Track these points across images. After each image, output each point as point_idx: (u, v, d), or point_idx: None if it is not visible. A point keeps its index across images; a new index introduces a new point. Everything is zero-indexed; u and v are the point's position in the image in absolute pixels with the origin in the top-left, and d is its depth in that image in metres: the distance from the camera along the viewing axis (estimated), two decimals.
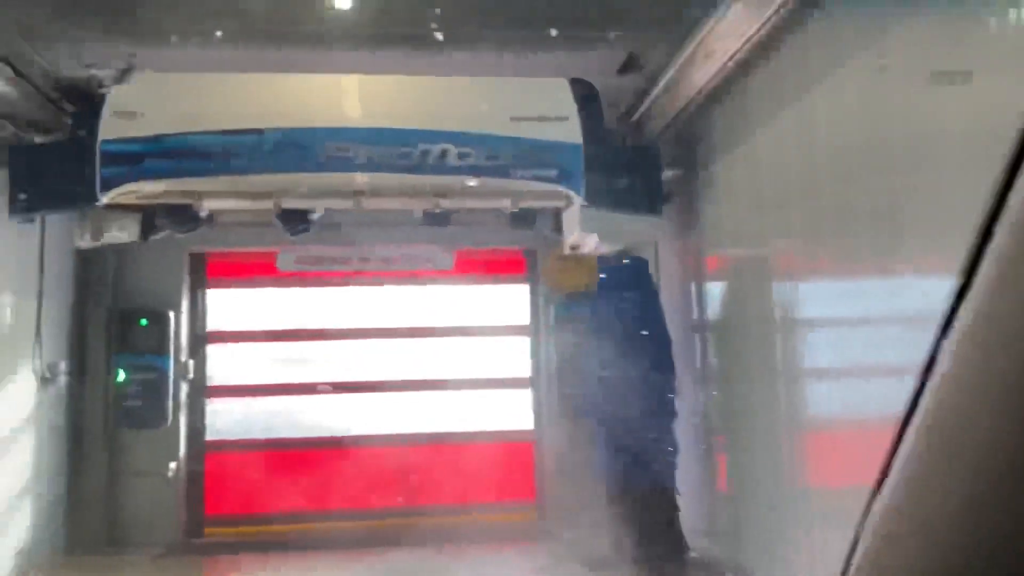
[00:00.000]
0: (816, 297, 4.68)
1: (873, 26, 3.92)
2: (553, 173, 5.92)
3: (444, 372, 8.41)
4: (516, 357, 8.56)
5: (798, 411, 4.83)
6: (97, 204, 5.53)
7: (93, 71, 4.98)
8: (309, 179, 5.82)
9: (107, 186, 5.52)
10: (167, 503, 7.57)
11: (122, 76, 4.94)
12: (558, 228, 7.12)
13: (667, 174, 6.31)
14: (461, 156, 5.82)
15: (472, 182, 5.93)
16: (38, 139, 5.77)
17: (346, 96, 5.88)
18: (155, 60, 5.72)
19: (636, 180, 6.12)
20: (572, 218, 6.39)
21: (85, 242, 6.52)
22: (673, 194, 6.54)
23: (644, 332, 6.21)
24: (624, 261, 6.43)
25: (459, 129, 5.84)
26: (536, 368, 8.44)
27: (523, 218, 7.05)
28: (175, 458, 7.64)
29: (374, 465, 8.21)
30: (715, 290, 6.29)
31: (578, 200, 6.03)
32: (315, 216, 6.84)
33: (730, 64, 5.14)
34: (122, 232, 6.58)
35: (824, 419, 4.59)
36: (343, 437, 8.23)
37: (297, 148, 5.66)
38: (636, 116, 6.22)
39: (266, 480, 7.98)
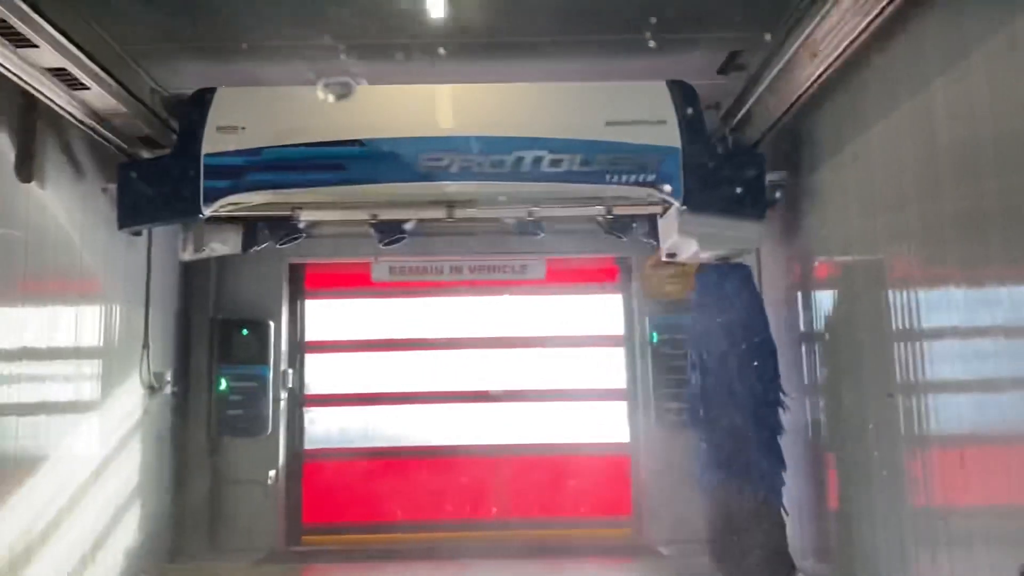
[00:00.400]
0: (939, 305, 4.36)
1: (1001, 9, 3.63)
2: (650, 178, 5.75)
3: (538, 383, 8.33)
4: (611, 368, 8.40)
5: (919, 426, 4.52)
6: (200, 217, 5.66)
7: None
8: (405, 189, 5.81)
9: (210, 199, 5.63)
10: (266, 510, 7.70)
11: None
12: (654, 235, 6.94)
13: (770, 177, 6.04)
14: (555, 163, 5.71)
15: (566, 188, 5.81)
16: (145, 154, 5.96)
17: (441, 105, 5.86)
18: (254, 76, 5.85)
19: (738, 184, 5.87)
20: (669, 224, 6.20)
21: (188, 254, 6.71)
22: (776, 198, 6.26)
23: (747, 341, 5.96)
24: (725, 268, 6.18)
25: (553, 135, 5.73)
26: (631, 379, 8.26)
27: (618, 225, 6.89)
28: (274, 466, 7.77)
29: (468, 476, 8.18)
30: (823, 298, 5.98)
31: (676, 205, 5.83)
32: (409, 226, 6.87)
33: (839, 59, 4.87)
34: (224, 244, 6.75)
35: (950, 435, 4.27)
36: (438, 447, 8.23)
37: (394, 159, 5.66)
38: (737, 118, 5.98)
39: (362, 489, 8.05)
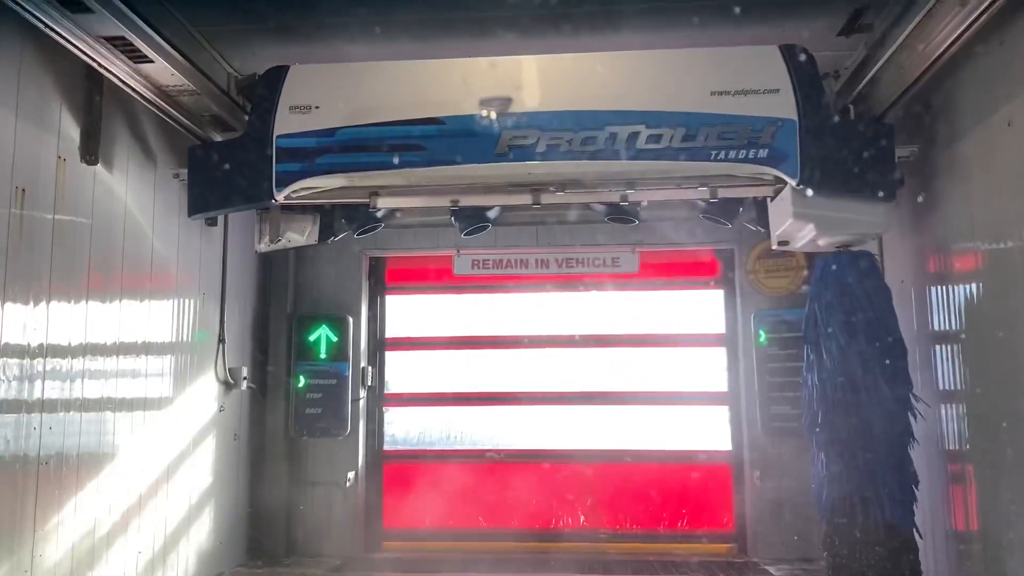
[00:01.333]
0: None
1: None
2: (762, 154, 5.11)
3: (631, 385, 7.76)
4: (711, 370, 7.74)
5: None
6: (273, 202, 5.32)
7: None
8: (487, 171, 5.33)
9: (282, 183, 5.30)
10: (345, 514, 7.37)
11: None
12: (762, 221, 6.28)
13: (899, 152, 5.31)
14: (653, 139, 5.14)
15: (665, 168, 5.23)
16: (217, 138, 5.68)
17: (526, 79, 5.37)
18: (329, 56, 5.52)
19: (863, 160, 5.16)
20: (782, 208, 5.53)
21: (264, 245, 6.40)
22: (905, 177, 5.52)
23: (874, 339, 5.25)
24: (845, 257, 5.47)
25: (651, 108, 5.17)
26: (734, 382, 7.58)
27: (722, 210, 6.25)
28: (353, 467, 7.43)
29: (555, 482, 7.67)
30: (963, 291, 5.20)
31: (791, 185, 5.18)
32: (492, 214, 6.40)
33: (986, 12, 4.15)
34: (300, 234, 6.42)
35: None
36: (524, 451, 7.75)
37: (476, 138, 5.21)
38: (861, 85, 5.29)
39: (445, 493, 7.61)
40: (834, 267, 5.48)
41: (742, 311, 7.44)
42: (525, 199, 5.92)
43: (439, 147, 5.27)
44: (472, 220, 6.36)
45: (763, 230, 6.53)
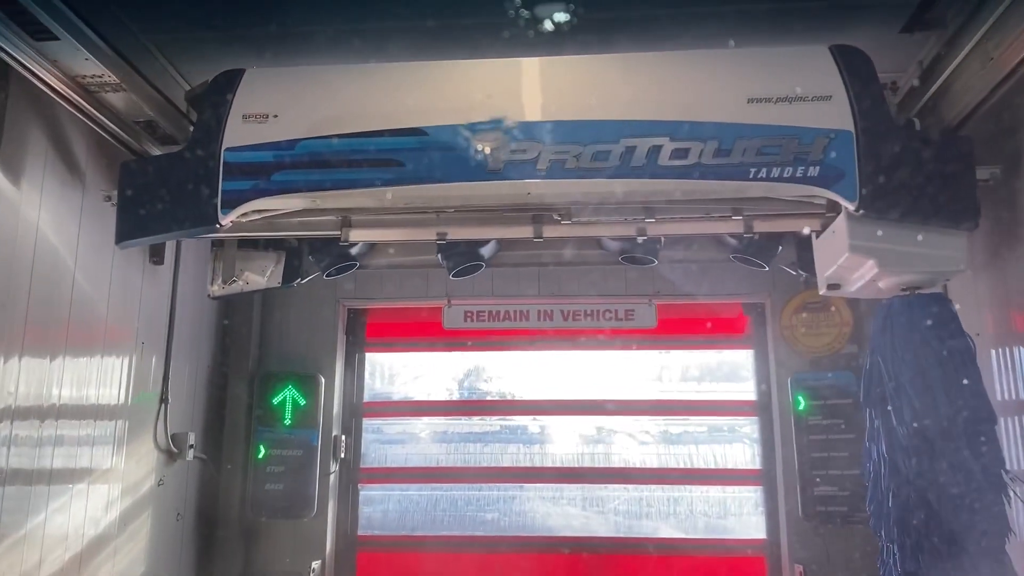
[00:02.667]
0: None
1: None
2: (812, 172, 4.18)
3: (646, 460, 6.68)
4: (740, 443, 6.67)
5: None
6: (217, 227, 4.39)
7: None
8: (479, 191, 4.41)
9: (229, 204, 4.38)
10: None
11: None
12: (804, 264, 5.33)
13: (978, 174, 4.38)
14: (679, 154, 4.22)
15: (693, 188, 4.30)
16: (155, 152, 4.79)
17: (525, 83, 4.50)
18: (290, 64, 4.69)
19: (937, 180, 4.23)
20: (834, 242, 4.56)
21: (217, 287, 5.48)
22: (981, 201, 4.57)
23: (953, 403, 4.19)
24: (914, 302, 4.47)
25: (677, 118, 4.27)
26: (768, 457, 6.49)
27: (758, 249, 5.30)
28: (320, 556, 6.29)
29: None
30: None
31: (847, 211, 4.23)
32: (486, 251, 5.47)
33: None
34: (260, 275, 5.50)
35: None
36: (525, 539, 6.61)
37: (465, 152, 4.30)
38: (930, 92, 4.41)
39: None
40: (902, 313, 4.46)
41: (776, 374, 6.39)
42: (525, 231, 5.01)
43: (420, 162, 4.35)
44: (463, 258, 5.42)
45: (804, 275, 5.58)
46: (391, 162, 4.38)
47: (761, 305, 6.61)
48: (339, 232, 5.06)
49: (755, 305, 6.67)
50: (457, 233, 5.07)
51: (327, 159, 4.41)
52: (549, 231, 4.99)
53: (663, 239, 5.39)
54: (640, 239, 4.97)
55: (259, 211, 4.57)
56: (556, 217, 4.79)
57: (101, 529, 4.84)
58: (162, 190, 4.46)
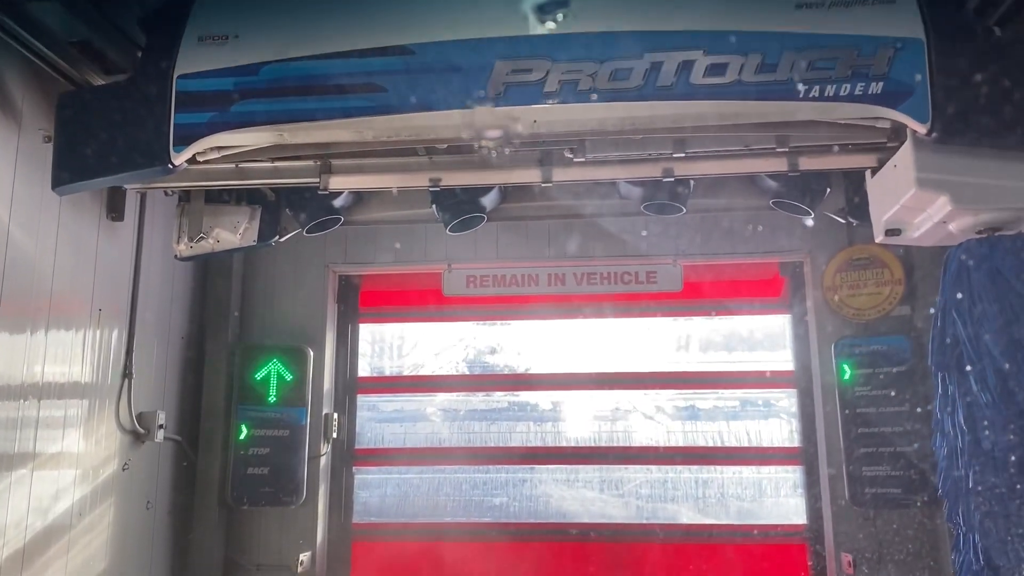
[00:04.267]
0: None
1: None
2: (875, 89, 3.49)
3: (669, 438, 6.02)
4: (777, 418, 5.98)
5: None
6: (169, 167, 3.73)
7: None
8: (476, 120, 3.72)
9: (183, 139, 3.75)
10: None
11: None
12: (854, 210, 4.62)
13: None
14: (715, 70, 3.54)
15: (733, 111, 3.59)
16: (99, 83, 4.12)
17: None
18: None
19: (1020, 98, 3.53)
20: (896, 178, 3.86)
21: (184, 246, 4.83)
22: None
23: None
24: (995, 245, 3.76)
25: (712, 27, 3.57)
26: (808, 434, 5.81)
27: (802, 193, 4.60)
28: (309, 547, 5.66)
29: (575, 566, 5.85)
30: None
31: (916, 137, 3.53)
32: (487, 201, 4.79)
33: None
34: (232, 232, 4.84)
35: None
36: (535, 525, 5.98)
37: (458, 73, 3.63)
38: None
39: None
40: (980, 259, 3.75)
41: (817, 341, 5.69)
42: (531, 175, 4.32)
43: (405, 87, 3.71)
44: (461, 208, 4.74)
45: (855, 222, 4.88)
46: (371, 87, 3.74)
47: (800, 264, 5.90)
48: (318, 179, 4.42)
49: (793, 265, 5.96)
50: (453, 179, 4.41)
51: (296, 85, 3.78)
52: (560, 174, 4.33)
53: (692, 183, 4.70)
54: (666, 180, 4.27)
55: (219, 149, 3.93)
56: (568, 155, 4.12)
57: (50, 520, 4.22)
58: (105, 125, 3.83)
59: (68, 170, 3.84)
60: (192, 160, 3.96)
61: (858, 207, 4.61)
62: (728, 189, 5.22)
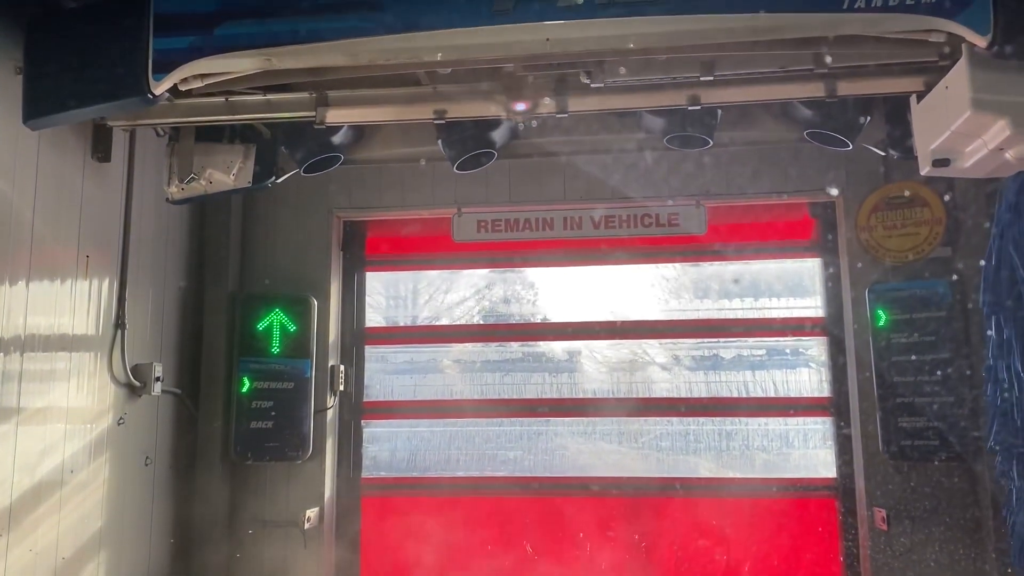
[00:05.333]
0: None
1: None
2: None
3: (692, 389, 5.74)
4: (805, 367, 5.69)
5: None
6: (148, 96, 3.43)
7: None
8: (482, 40, 3.37)
9: (163, 67, 3.46)
10: (305, 569, 5.38)
11: None
12: (895, 142, 4.25)
13: None
14: None
15: (766, 25, 3.23)
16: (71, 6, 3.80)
17: None
18: None
19: None
20: (948, 101, 3.49)
21: (175, 188, 4.55)
22: None
23: None
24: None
25: None
26: (839, 383, 5.50)
27: (839, 123, 4.22)
28: (317, 503, 5.46)
29: (593, 522, 5.64)
30: None
31: (974, 50, 3.16)
32: (497, 135, 4.46)
33: None
34: (225, 173, 4.55)
35: None
36: (551, 480, 5.75)
37: None
38: None
39: (448, 540, 5.60)
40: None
41: (851, 285, 5.36)
42: (545, 104, 3.97)
43: (403, 3, 3.33)
44: (469, 144, 4.41)
45: (896, 154, 4.50)
46: (366, 4, 3.38)
47: (831, 204, 5.53)
48: (314, 113, 4.10)
49: (824, 205, 5.59)
50: (459, 111, 4.08)
51: (283, 4, 3.42)
52: (576, 103, 3.98)
53: (719, 112, 4.33)
54: (691, 108, 3.92)
55: (202, 77, 3.60)
56: (584, 79, 3.76)
57: (38, 478, 4.01)
58: (79, 52, 3.52)
59: (40, 102, 3.55)
60: (177, 92, 3.66)
61: (900, 139, 4.23)
62: (758, 121, 4.85)
